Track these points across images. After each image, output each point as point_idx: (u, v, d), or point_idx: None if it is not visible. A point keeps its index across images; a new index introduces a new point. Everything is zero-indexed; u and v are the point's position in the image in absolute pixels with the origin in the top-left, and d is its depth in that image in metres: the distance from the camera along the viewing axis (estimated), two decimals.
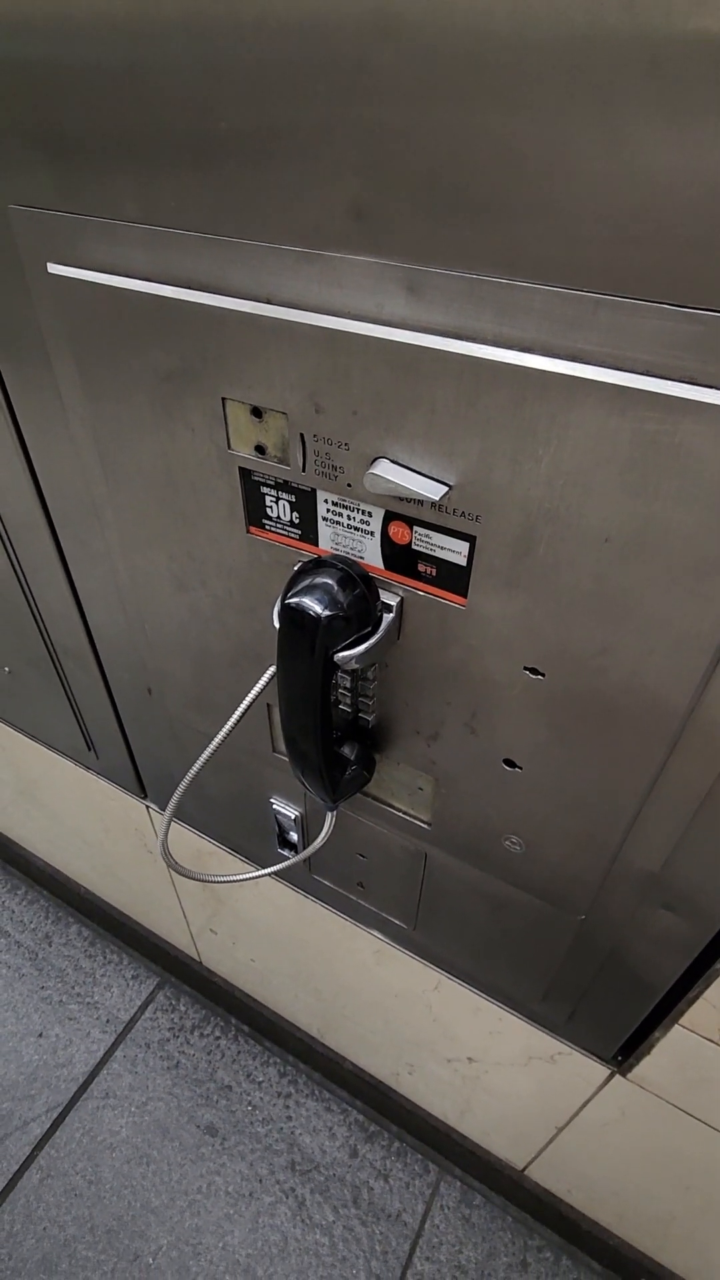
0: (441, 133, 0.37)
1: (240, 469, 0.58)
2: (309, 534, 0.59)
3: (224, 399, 0.54)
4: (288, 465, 0.55)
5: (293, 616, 0.54)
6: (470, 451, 0.46)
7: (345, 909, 1.04)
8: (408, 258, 0.42)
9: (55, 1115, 1.69)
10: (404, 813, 0.78)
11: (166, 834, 0.76)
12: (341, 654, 0.56)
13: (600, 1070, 0.95)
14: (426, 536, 0.53)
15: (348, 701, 0.69)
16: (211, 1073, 1.75)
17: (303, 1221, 1.53)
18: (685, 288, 0.36)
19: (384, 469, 0.49)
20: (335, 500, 0.55)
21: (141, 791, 1.21)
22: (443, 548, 0.53)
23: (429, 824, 0.77)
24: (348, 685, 0.68)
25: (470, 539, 0.51)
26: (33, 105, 0.48)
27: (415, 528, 0.53)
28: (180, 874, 0.82)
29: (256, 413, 0.54)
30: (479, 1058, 1.16)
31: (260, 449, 0.56)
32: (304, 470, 0.55)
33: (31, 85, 0.47)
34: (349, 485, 0.53)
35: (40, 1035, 1.82)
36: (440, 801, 0.73)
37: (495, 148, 0.36)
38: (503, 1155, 1.43)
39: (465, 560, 0.52)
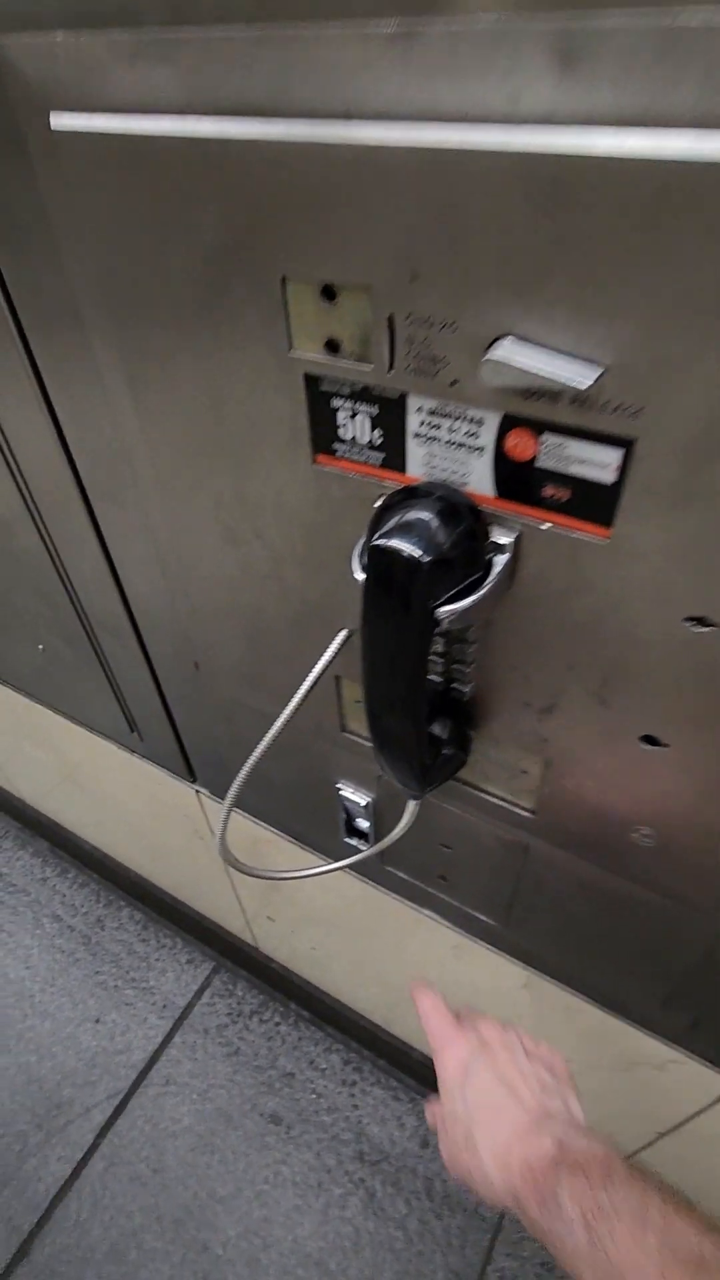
0: None
1: (306, 377, 0.45)
2: (394, 458, 0.46)
3: (284, 279, 0.42)
4: (368, 364, 0.42)
5: (383, 562, 0.42)
6: (639, 311, 0.33)
7: (422, 902, 0.94)
8: (563, 4, 0.28)
9: (117, 1102, 1.65)
10: (501, 799, 0.66)
11: (225, 832, 0.65)
12: (445, 608, 0.43)
13: None
14: (559, 446, 0.40)
15: (439, 669, 0.57)
16: (273, 1059, 1.69)
17: (375, 1214, 1.47)
18: None
19: (509, 351, 0.36)
20: (433, 408, 0.42)
21: (190, 776, 1.12)
22: (582, 460, 0.39)
23: (532, 812, 0.65)
24: (440, 649, 0.56)
25: (625, 444, 0.37)
26: None
27: (544, 436, 0.40)
28: (244, 873, 0.71)
29: (328, 293, 0.41)
30: (570, 1059, 1.05)
31: (332, 345, 0.43)
32: (391, 369, 0.42)
33: None
34: (454, 383, 0.40)
35: (97, 1021, 1.78)
36: (549, 787, 0.60)
37: None
38: None
39: (615, 475, 0.39)
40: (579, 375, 0.35)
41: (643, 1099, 1.00)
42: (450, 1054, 0.59)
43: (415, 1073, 1.59)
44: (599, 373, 0.35)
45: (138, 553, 0.73)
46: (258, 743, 0.62)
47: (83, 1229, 1.49)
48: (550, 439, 0.40)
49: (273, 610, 0.65)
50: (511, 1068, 0.55)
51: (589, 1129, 0.50)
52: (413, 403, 0.43)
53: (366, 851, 0.77)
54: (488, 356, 0.37)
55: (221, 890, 1.50)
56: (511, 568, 0.46)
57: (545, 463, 0.41)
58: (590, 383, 0.35)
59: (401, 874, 0.90)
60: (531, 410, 0.39)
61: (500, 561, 0.45)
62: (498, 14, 0.29)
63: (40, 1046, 1.74)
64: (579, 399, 0.37)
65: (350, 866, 0.79)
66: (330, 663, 0.59)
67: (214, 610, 0.71)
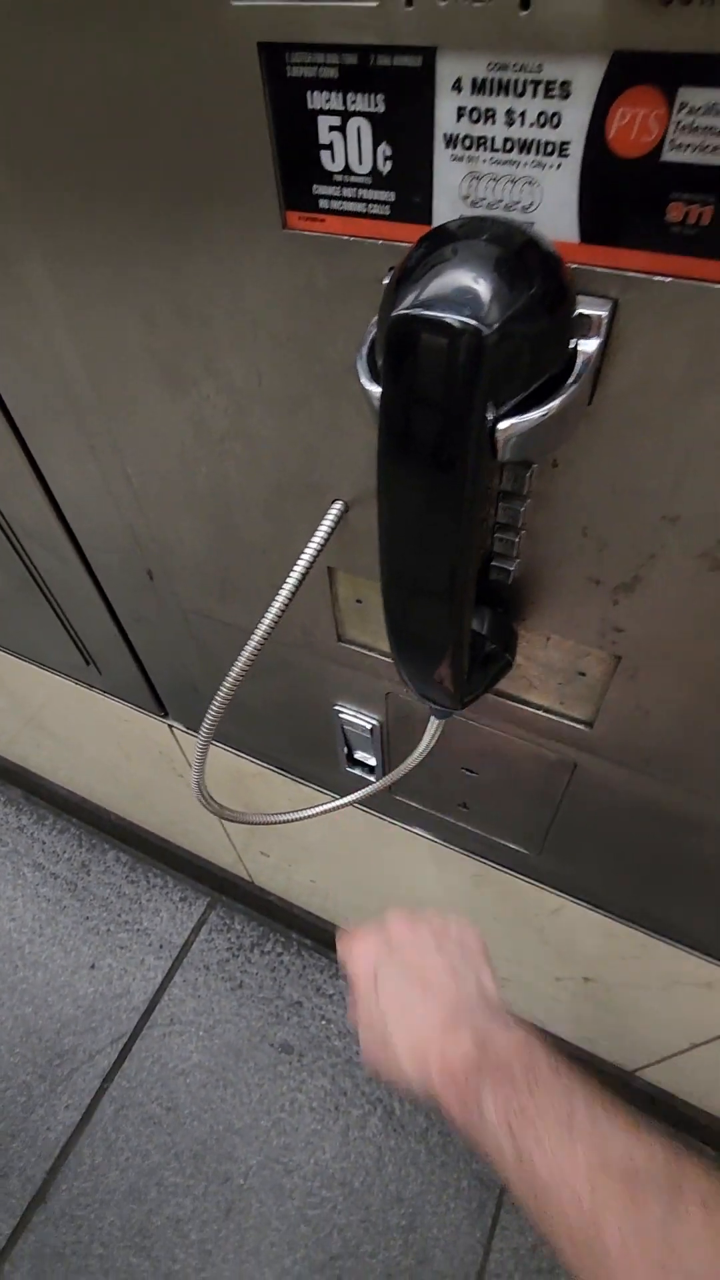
0: None
1: (262, 50, 0.27)
2: (413, 193, 0.29)
3: None
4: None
5: (415, 345, 0.26)
6: None
7: (438, 832, 0.82)
8: None
9: (121, 1046, 1.59)
10: (547, 710, 0.53)
11: (202, 778, 0.51)
12: (509, 422, 0.28)
13: None
14: (712, 110, 0.23)
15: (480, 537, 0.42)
16: (279, 990, 1.64)
17: (395, 1131, 1.45)
18: None
19: None
20: (482, 74, 0.25)
21: (160, 709, 0.97)
22: None
23: (588, 724, 0.51)
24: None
25: None
26: None
27: (681, 94, 0.23)
28: (231, 820, 0.58)
29: None
30: (600, 978, 0.98)
31: None
32: (410, 1, 0.24)
33: None
34: (524, 5, 0.23)
35: (92, 967, 1.71)
36: (619, 691, 0.47)
37: None
38: (609, 1059, 1.31)
39: None
40: None
41: (680, 1014, 0.94)
42: (357, 957, 0.54)
43: None
44: None
45: (56, 423, 0.55)
46: (232, 665, 0.47)
47: (99, 1173, 1.45)
48: (695, 98, 0.23)
49: (238, 484, 0.48)
50: (421, 960, 0.52)
51: (505, 1013, 0.48)
52: (447, 69, 0.25)
53: (375, 785, 0.64)
54: None
55: (209, 826, 1.39)
56: (599, 363, 0.30)
57: (677, 153, 0.24)
58: None
59: (414, 804, 0.77)
60: (664, 38, 0.22)
61: (588, 350, 0.29)
62: None
63: (35, 998, 1.67)
64: None
65: (365, 798, 0.66)
66: (321, 549, 0.44)
67: (163, 496, 0.55)
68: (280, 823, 0.62)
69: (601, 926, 0.82)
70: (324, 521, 0.44)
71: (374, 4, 0.25)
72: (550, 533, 0.39)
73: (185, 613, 0.68)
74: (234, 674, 0.48)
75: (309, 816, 0.65)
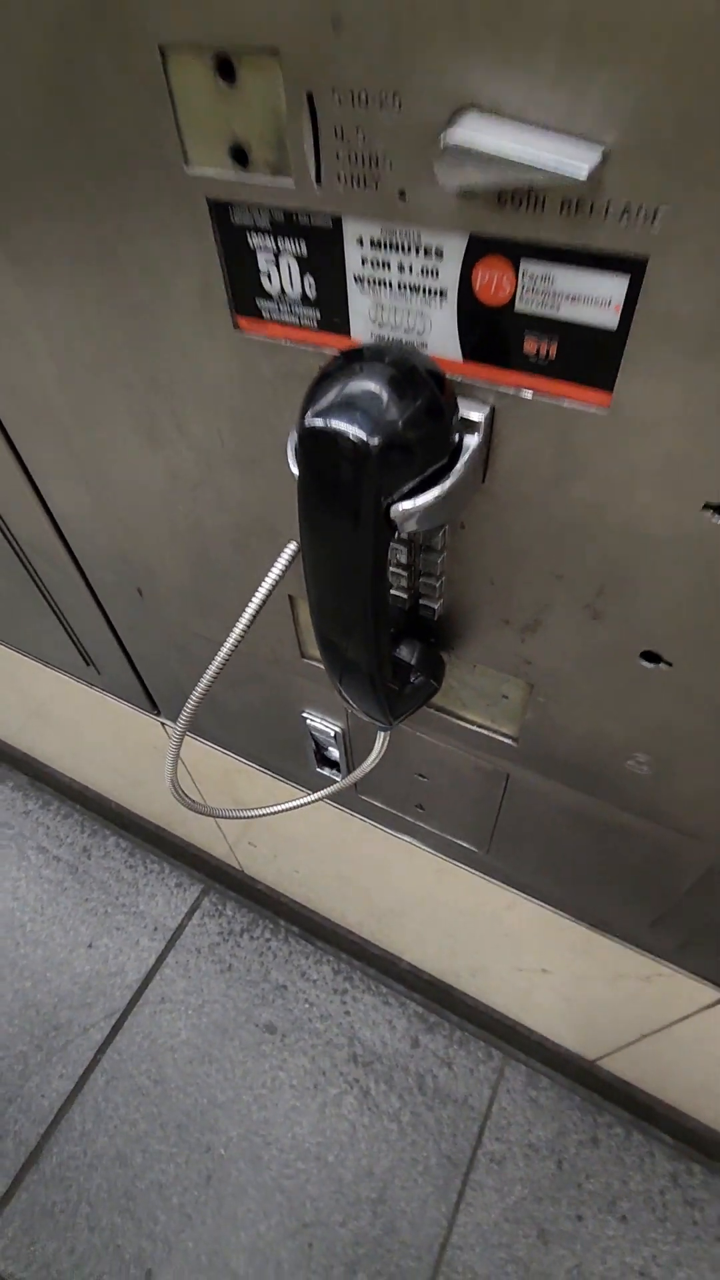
0: None
1: (211, 204, 0.34)
2: (334, 314, 0.36)
3: (163, 49, 0.30)
4: (289, 176, 0.31)
5: (320, 451, 0.33)
6: (660, 58, 0.22)
7: (400, 829, 0.89)
8: None
9: (114, 1021, 1.68)
10: (481, 727, 0.60)
11: (174, 771, 0.58)
12: (401, 506, 0.34)
13: (710, 993, 0.82)
14: (544, 279, 0.30)
15: (402, 584, 0.49)
16: (265, 973, 1.72)
17: (369, 1109, 1.53)
18: None
19: (474, 129, 0.26)
20: (377, 235, 0.32)
21: (153, 708, 1.04)
22: (574, 297, 0.30)
23: (514, 739, 0.58)
24: (402, 560, 0.47)
25: (635, 265, 0.28)
26: None
27: (524, 265, 0.30)
28: (199, 812, 0.65)
29: (225, 69, 0.30)
30: (556, 970, 1.05)
31: (239, 154, 0.32)
32: (319, 181, 0.31)
33: None
34: (401, 195, 0.30)
35: (90, 946, 1.79)
36: (535, 712, 0.53)
37: None
38: (572, 1048, 1.38)
39: (618, 316, 0.29)
40: (572, 160, 0.25)
41: (628, 1005, 1.00)
42: None
43: (404, 979, 1.62)
44: (598, 158, 0.25)
45: (55, 461, 0.62)
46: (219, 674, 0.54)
47: (89, 1138, 1.54)
48: (533, 269, 0.30)
49: (210, 523, 0.55)
50: None
51: None
52: (351, 230, 0.32)
53: (336, 785, 0.71)
54: (447, 141, 0.26)
55: (203, 819, 1.47)
56: (485, 452, 0.37)
57: (527, 305, 0.31)
58: (586, 173, 0.25)
59: (378, 803, 0.85)
60: (507, 227, 0.29)
61: (471, 444, 0.35)
62: None
63: (34, 973, 1.76)
64: (571, 204, 0.27)
65: (325, 798, 0.73)
66: (277, 583, 0.51)
67: (147, 528, 0.62)
68: (240, 817, 0.69)
69: (551, 922, 0.89)
70: (280, 559, 0.51)
71: (290, 181, 0.31)
72: (465, 581, 0.46)
73: (170, 625, 0.76)
74: (202, 684, 0.55)
75: (274, 813, 0.72)
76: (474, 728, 0.60)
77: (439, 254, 0.31)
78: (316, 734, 0.77)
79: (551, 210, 0.27)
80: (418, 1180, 1.45)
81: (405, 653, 0.50)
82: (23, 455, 0.65)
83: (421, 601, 0.49)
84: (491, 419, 0.35)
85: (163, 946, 1.79)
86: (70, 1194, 1.47)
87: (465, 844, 0.81)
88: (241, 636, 0.51)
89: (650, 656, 0.43)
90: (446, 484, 0.35)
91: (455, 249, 0.31)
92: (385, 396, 0.32)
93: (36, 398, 0.55)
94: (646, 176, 0.25)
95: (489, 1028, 1.56)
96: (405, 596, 0.50)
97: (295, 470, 0.36)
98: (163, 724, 1.09)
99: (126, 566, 0.71)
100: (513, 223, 0.28)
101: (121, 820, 1.92)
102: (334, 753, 0.80)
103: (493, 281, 0.31)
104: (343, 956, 1.72)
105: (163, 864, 1.91)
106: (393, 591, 0.50)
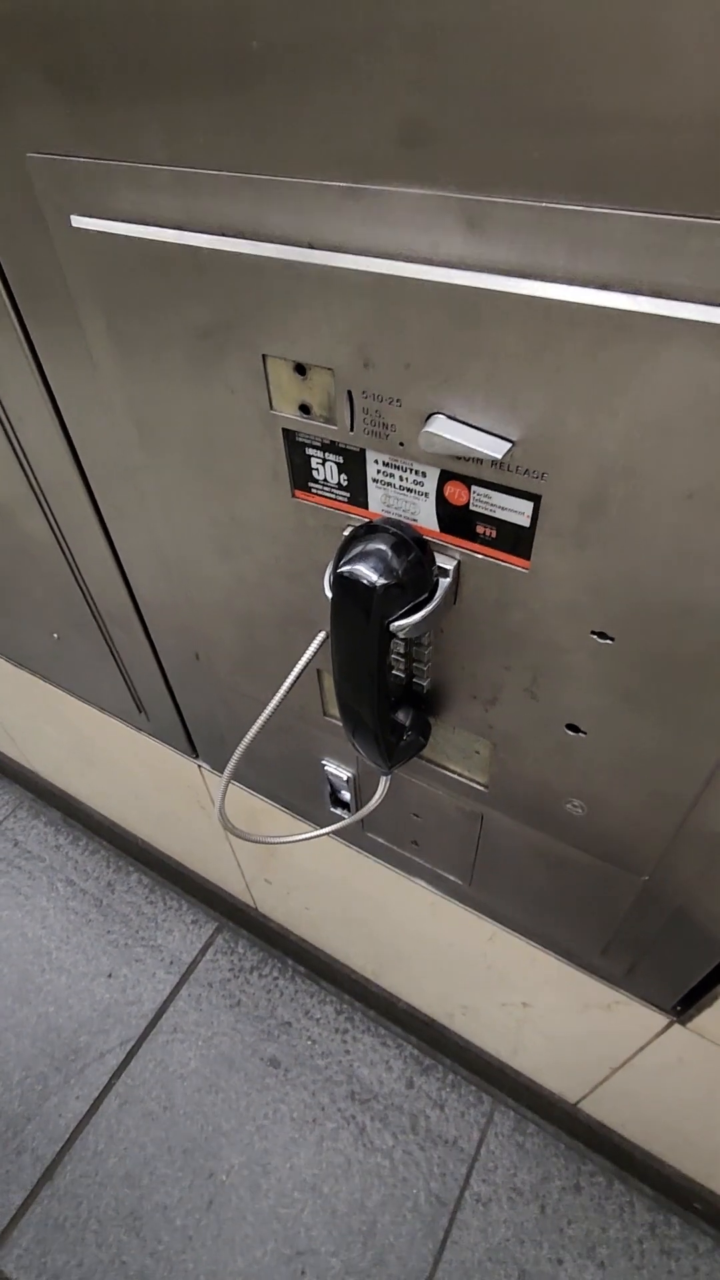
0: (510, 23, 0.32)
1: (284, 430, 0.55)
2: (358, 497, 0.56)
3: (265, 356, 0.51)
4: (334, 425, 0.52)
5: (347, 586, 0.52)
6: (537, 404, 0.42)
7: (399, 864, 1.05)
8: (467, 187, 0.37)
9: (129, 1048, 1.80)
10: (460, 775, 0.77)
11: (223, 802, 0.76)
12: (398, 623, 0.53)
13: (659, 1019, 0.96)
14: (486, 497, 0.49)
15: (401, 667, 0.67)
16: (271, 1010, 1.83)
17: (364, 1145, 1.62)
18: None
19: (440, 426, 0.46)
20: (386, 461, 0.52)
21: (193, 752, 1.23)
22: (504, 508, 0.49)
23: (485, 786, 0.76)
24: (401, 651, 0.66)
25: (534, 499, 0.47)
26: (43, 33, 0.44)
27: (474, 488, 0.49)
28: (240, 838, 0.83)
29: (300, 370, 0.50)
30: (534, 1003, 1.18)
31: (305, 408, 0.53)
32: (352, 430, 0.51)
33: (41, 10, 0.43)
34: (401, 445, 0.50)
35: (110, 975, 1.92)
36: (498, 765, 0.71)
37: (576, 35, 0.31)
38: (556, 1090, 1.48)
39: (528, 521, 0.49)
40: (493, 448, 0.45)
41: (598, 1037, 1.13)
42: None
43: (401, 1021, 1.73)
44: (509, 447, 0.45)
45: (145, 560, 0.83)
46: (251, 724, 0.73)
47: (100, 1158, 1.64)
48: (478, 490, 0.49)
49: (262, 613, 0.75)
50: None
51: None
52: (370, 456, 0.52)
53: (347, 820, 0.88)
54: (424, 430, 0.46)
55: (223, 855, 1.63)
56: (454, 589, 0.56)
57: (476, 507, 0.51)
58: (501, 454, 0.44)
59: (381, 840, 1.01)
60: (463, 469, 0.49)
61: (444, 584, 0.55)
62: (424, 188, 0.38)
63: (57, 998, 1.89)
64: (498, 463, 0.46)
65: (335, 833, 0.90)
66: (310, 660, 0.70)
67: (212, 609, 0.82)
68: (274, 843, 0.86)
69: (526, 953, 1.04)
70: (313, 643, 0.70)
71: (335, 428, 0.52)
72: (445, 667, 0.65)
73: (220, 684, 0.95)
74: (251, 733, 0.73)
75: (297, 840, 0.89)
76: (455, 776, 0.77)
77: (423, 475, 0.51)
78: (332, 778, 0.94)
79: (487, 465, 0.47)
80: (407, 1216, 1.53)
81: (402, 716, 0.69)
82: (120, 553, 0.85)
83: (414, 679, 0.68)
84: (458, 569, 0.55)
85: (177, 980, 1.91)
86: (81, 1210, 1.57)
87: (452, 877, 0.97)
88: (283, 698, 0.70)
89: (572, 727, 0.61)
90: (427, 609, 0.54)
91: (433, 475, 0.50)
92: (389, 555, 0.52)
93: (140, 518, 0.76)
94: (536, 457, 0.45)
95: (480, 1071, 1.65)
96: (403, 675, 0.68)
97: (329, 595, 0.56)
98: (199, 766, 1.27)
99: (188, 635, 0.91)
100: (466, 467, 0.48)
101: (145, 857, 2.07)
102: (345, 795, 0.97)
103: (456, 493, 0.50)
104: (345, 997, 1.83)
105: (180, 901, 2.05)
106: (394, 672, 0.69)
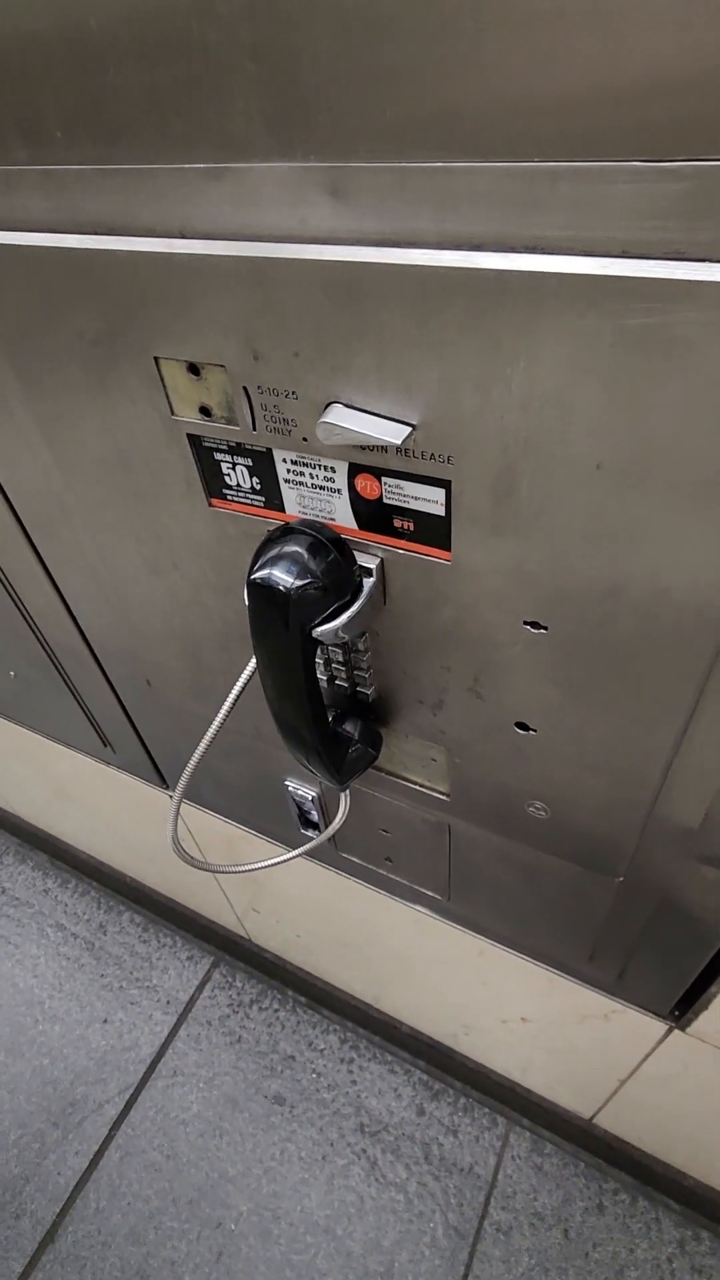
0: None
1: (189, 436, 0.52)
2: (273, 500, 0.53)
3: (156, 358, 0.48)
4: (237, 425, 0.49)
5: (261, 593, 0.49)
6: (430, 382, 0.40)
7: (378, 883, 1.01)
8: (326, 154, 0.35)
9: (128, 1096, 1.73)
10: (420, 785, 0.74)
11: (175, 828, 0.73)
12: (321, 628, 0.50)
13: (658, 1026, 0.92)
14: (397, 487, 0.47)
15: (344, 676, 0.64)
16: (274, 1044, 1.77)
17: (377, 1180, 1.56)
18: (660, 135, 0.29)
19: (337, 415, 0.43)
20: (294, 458, 0.49)
21: (162, 782, 1.19)
22: (417, 498, 0.46)
23: (447, 795, 0.72)
24: (340, 659, 0.63)
25: (445, 484, 0.44)
26: None
27: (384, 479, 0.47)
28: (195, 866, 0.79)
29: (194, 369, 0.48)
30: (533, 1018, 1.14)
31: (205, 410, 0.50)
32: (255, 429, 0.49)
33: None
34: (305, 440, 0.47)
35: (105, 1021, 1.86)
36: (456, 771, 0.68)
37: None
38: (569, 1106, 1.42)
39: (443, 509, 0.46)
40: (392, 434, 0.42)
41: (601, 1049, 1.08)
42: None
43: (407, 1045, 1.67)
44: (409, 431, 0.42)
45: (83, 584, 0.80)
46: (213, 748, 0.69)
47: (103, 1216, 1.57)
48: (389, 481, 0.47)
49: (201, 631, 0.72)
50: None
51: None
52: (278, 455, 0.50)
53: (315, 840, 0.85)
54: (321, 420, 0.44)
55: (210, 887, 1.58)
56: (380, 587, 0.53)
57: (390, 499, 0.48)
58: (401, 439, 0.42)
59: (355, 859, 0.97)
60: (370, 460, 0.46)
61: (368, 584, 0.52)
62: (285, 160, 0.36)
63: (52, 1049, 1.83)
64: (402, 450, 0.44)
65: (309, 855, 0.86)
66: (249, 680, 0.67)
67: (154, 632, 0.78)
68: (235, 872, 0.82)
69: (517, 966, 0.99)
70: (247, 667, 0.67)
71: (238, 428, 0.49)
72: (386, 671, 0.62)
73: (174, 709, 0.91)
74: (197, 753, 0.69)
75: (261, 867, 0.85)
76: (416, 786, 0.74)
77: (333, 470, 0.48)
78: (297, 798, 0.91)
79: (392, 452, 0.44)
80: (425, 1253, 1.46)
81: (349, 728, 0.65)
82: (56, 579, 0.83)
83: (358, 689, 0.64)
84: (382, 566, 0.52)
85: (175, 1020, 1.85)
86: (85, 1274, 1.49)
87: (430, 892, 0.93)
88: (224, 720, 0.67)
89: (521, 725, 0.57)
90: (350, 611, 0.51)
91: (342, 469, 0.48)
92: (305, 556, 0.49)
93: (72, 545, 0.73)
94: (439, 440, 0.42)
95: (491, 1092, 1.59)
96: (346, 685, 0.65)
97: (247, 604, 0.53)
98: (170, 796, 1.23)
99: (137, 662, 0.88)
100: (372, 457, 0.46)
101: (135, 895, 2.02)
102: (314, 815, 0.93)
103: (367, 487, 0.48)
104: (348, 1025, 1.77)
105: (175, 937, 2.00)
106: (337, 682, 0.65)
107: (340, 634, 0.51)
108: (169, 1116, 1.69)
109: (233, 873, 0.82)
